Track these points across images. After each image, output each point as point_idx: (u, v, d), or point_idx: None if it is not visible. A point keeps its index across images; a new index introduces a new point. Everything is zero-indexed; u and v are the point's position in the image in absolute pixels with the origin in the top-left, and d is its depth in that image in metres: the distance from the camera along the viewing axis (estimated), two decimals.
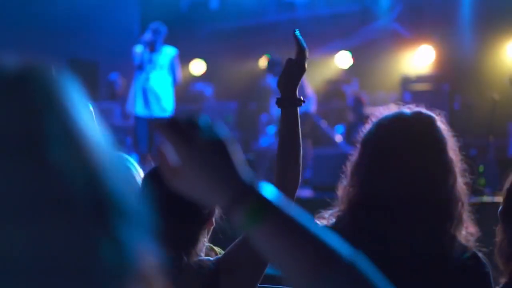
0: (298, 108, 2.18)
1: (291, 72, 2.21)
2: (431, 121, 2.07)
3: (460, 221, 2.02)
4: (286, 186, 2.09)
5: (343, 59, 11.43)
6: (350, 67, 11.47)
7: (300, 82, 2.19)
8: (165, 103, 8.40)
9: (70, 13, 9.76)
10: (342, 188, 2.11)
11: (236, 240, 2.12)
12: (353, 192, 2.07)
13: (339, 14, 11.58)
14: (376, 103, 10.65)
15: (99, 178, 0.72)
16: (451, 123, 2.19)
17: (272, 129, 10.25)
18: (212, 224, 2.14)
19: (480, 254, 2.03)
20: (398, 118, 2.08)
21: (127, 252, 0.72)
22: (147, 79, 8.26)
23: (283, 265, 0.98)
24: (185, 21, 11.67)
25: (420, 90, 9.83)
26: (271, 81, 9.52)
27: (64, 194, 0.69)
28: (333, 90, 11.15)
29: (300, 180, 2.18)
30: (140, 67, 8.19)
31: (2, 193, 0.67)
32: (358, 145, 2.12)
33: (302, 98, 2.20)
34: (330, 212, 2.12)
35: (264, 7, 12.29)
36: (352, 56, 11.39)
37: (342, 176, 2.14)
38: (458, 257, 1.99)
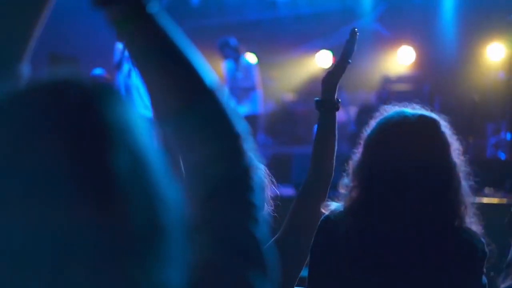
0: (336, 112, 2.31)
1: (337, 72, 2.34)
2: (435, 125, 2.05)
3: (463, 222, 2.02)
4: (319, 183, 2.26)
5: (324, 58, 11.44)
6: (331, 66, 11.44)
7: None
8: (148, 99, 8.36)
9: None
10: (344, 187, 2.12)
11: (275, 236, 2.22)
12: (355, 193, 2.06)
13: (320, 13, 11.58)
14: (356, 103, 10.70)
15: (156, 210, 0.75)
16: None
17: None
18: None
19: (481, 238, 2.03)
20: (402, 122, 2.05)
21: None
22: (129, 75, 8.21)
23: (152, 85, 0.99)
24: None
25: (400, 90, 9.86)
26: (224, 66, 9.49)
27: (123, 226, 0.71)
28: (313, 90, 11.15)
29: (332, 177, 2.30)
30: (119, 66, 8.12)
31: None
32: (361, 146, 2.11)
33: (339, 100, 2.32)
34: (336, 204, 2.14)
35: (246, 4, 12.26)
36: (333, 55, 11.40)
37: (344, 174, 2.14)
38: (460, 244, 2.00)
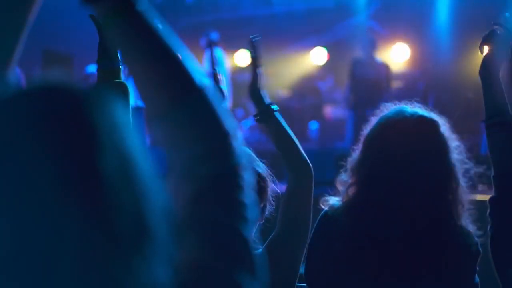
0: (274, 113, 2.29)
1: (254, 81, 2.37)
2: (434, 127, 2.06)
3: (459, 221, 2.03)
4: (300, 180, 2.26)
5: (318, 55, 11.43)
6: (326, 63, 11.47)
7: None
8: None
9: (45, 3, 9.61)
10: (342, 183, 2.14)
11: (271, 235, 2.23)
12: (352, 190, 2.08)
13: (315, 10, 11.57)
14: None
15: (143, 211, 0.75)
16: None
17: (247, 123, 10.22)
18: (262, 220, 2.26)
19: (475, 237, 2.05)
20: (401, 122, 2.06)
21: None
22: (123, 72, 8.21)
23: (141, 83, 0.99)
24: (160, 14, 11.59)
25: (394, 87, 9.87)
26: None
27: (111, 228, 0.72)
28: (308, 87, 11.16)
29: (309, 164, 2.28)
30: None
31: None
32: (361, 143, 2.12)
33: (272, 103, 2.32)
34: (335, 199, 2.15)
35: (240, 1, 12.25)
36: (328, 52, 11.40)
37: (341, 171, 2.16)
38: (454, 243, 2.02)
